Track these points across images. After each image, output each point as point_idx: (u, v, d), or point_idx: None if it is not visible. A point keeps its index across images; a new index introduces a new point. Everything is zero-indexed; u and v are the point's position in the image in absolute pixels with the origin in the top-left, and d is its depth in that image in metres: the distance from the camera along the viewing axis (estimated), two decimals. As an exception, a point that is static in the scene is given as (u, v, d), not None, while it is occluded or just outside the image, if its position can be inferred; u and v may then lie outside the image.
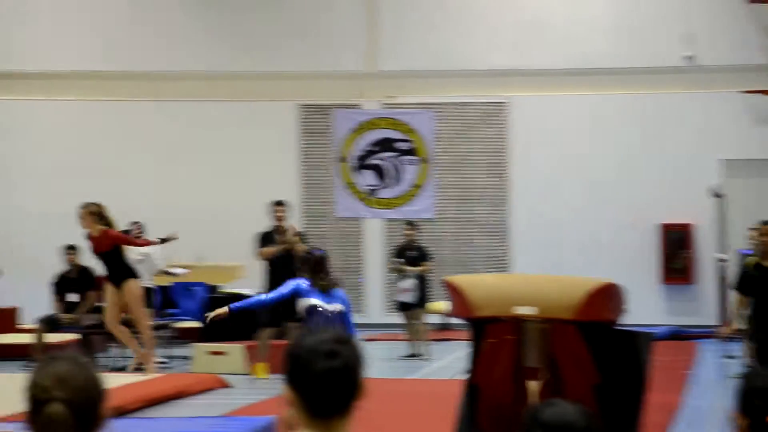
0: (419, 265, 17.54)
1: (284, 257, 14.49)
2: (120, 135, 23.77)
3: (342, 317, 10.77)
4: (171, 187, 23.64)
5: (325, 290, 10.72)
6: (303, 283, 10.74)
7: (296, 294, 10.79)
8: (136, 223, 17.78)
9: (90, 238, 14.54)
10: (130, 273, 14.65)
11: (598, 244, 23.06)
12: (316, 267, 10.78)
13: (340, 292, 10.82)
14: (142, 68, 23.73)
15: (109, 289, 14.66)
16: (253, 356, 15.57)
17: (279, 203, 15.24)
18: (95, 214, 14.46)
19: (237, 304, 10.90)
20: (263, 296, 11.28)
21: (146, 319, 14.81)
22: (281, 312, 14.16)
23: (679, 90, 23.10)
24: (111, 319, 14.66)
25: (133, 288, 14.56)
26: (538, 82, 23.42)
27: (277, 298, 10.90)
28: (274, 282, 13.61)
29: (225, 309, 10.73)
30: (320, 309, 10.70)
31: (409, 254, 17.76)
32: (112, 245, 14.36)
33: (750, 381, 3.23)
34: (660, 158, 23.00)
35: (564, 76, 23.27)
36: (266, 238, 14.82)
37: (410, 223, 18.42)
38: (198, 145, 23.75)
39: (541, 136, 23.37)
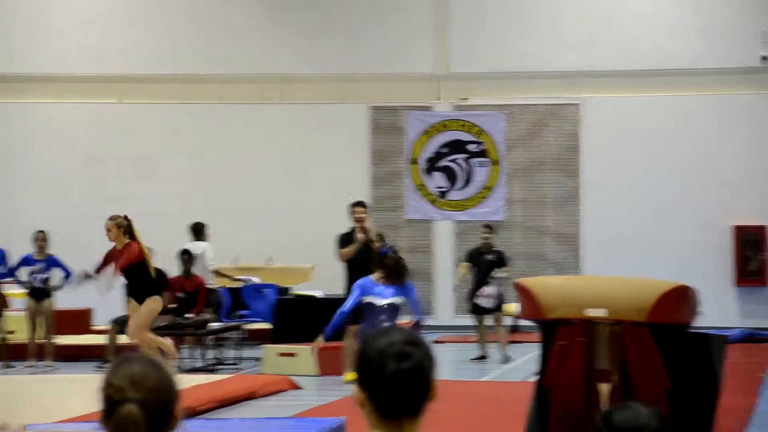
0: (497, 270, 17.35)
1: (364, 257, 14.42)
2: (184, 139, 23.93)
3: (394, 310, 11.53)
4: (241, 190, 23.77)
5: (388, 284, 11.48)
6: (367, 281, 11.56)
7: (363, 293, 11.57)
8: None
9: (114, 251, 14.14)
10: (153, 290, 14.20)
11: (670, 246, 22.85)
12: (380, 263, 11.70)
13: (405, 286, 11.58)
14: (214, 72, 23.88)
15: (132, 305, 14.24)
16: (332, 358, 15.49)
17: (359, 204, 15.12)
18: (121, 227, 14.08)
19: (328, 329, 11.61)
20: (343, 309, 11.71)
21: (144, 334, 14.16)
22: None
23: (753, 90, 22.83)
24: (134, 330, 14.11)
25: (152, 305, 14.05)
26: (610, 83, 23.27)
27: (353, 304, 11.62)
28: (354, 282, 13.82)
29: (321, 339, 11.72)
30: (373, 304, 11.51)
31: (487, 258, 17.52)
32: (130, 261, 13.89)
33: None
34: (734, 159, 22.75)
35: (636, 76, 23.10)
36: (346, 239, 14.74)
37: (488, 226, 18.13)
38: (269, 148, 23.86)
39: (613, 137, 23.20)
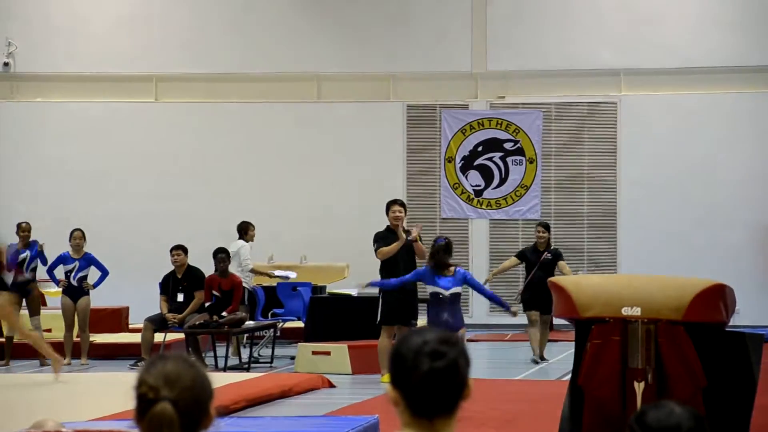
0: (555, 267, 16.94)
1: (403, 256, 14.36)
2: (221, 137, 24.01)
3: (457, 301, 12.89)
4: (277, 189, 23.82)
5: (443, 274, 12.75)
6: (426, 271, 12.90)
7: (419, 279, 13.05)
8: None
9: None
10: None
11: (707, 244, 22.74)
12: (434, 254, 12.93)
13: (459, 273, 12.93)
14: (252, 70, 23.94)
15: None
16: (365, 357, 15.47)
17: (397, 202, 15.01)
18: None
19: (379, 282, 13.30)
20: (400, 279, 13.29)
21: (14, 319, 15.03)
22: (398, 312, 14.22)
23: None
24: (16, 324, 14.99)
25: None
26: (649, 81, 23.16)
27: (402, 281, 13.12)
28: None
29: (364, 282, 13.37)
30: (439, 295, 12.76)
31: (544, 257, 17.16)
32: None
33: None
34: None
35: (675, 74, 22.98)
36: (384, 237, 14.59)
37: (543, 225, 17.65)
38: (304, 146, 23.90)
39: (650, 135, 23.11)
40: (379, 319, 14.36)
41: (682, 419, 2.96)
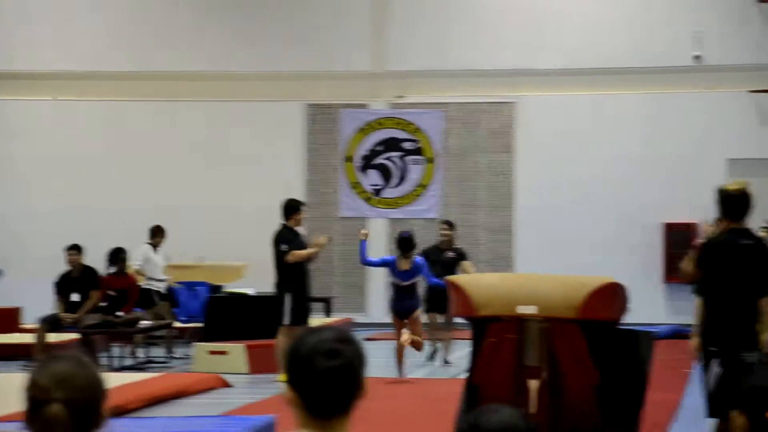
0: (457, 267, 16.75)
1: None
2: (122, 135, 23.78)
3: (414, 288, 14.66)
4: (176, 188, 23.64)
5: (402, 266, 14.40)
6: (394, 260, 14.61)
7: (385, 265, 14.86)
8: None
9: None
10: None
11: (602, 244, 23.05)
12: (398, 244, 14.71)
13: (415, 262, 14.54)
14: (147, 68, 23.74)
15: None
16: (263, 356, 15.44)
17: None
18: None
19: (363, 249, 14.59)
20: (373, 258, 15.01)
21: None
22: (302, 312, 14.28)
23: (686, 89, 23.07)
24: None
25: None
26: (545, 82, 23.41)
27: (372, 262, 14.87)
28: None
29: (366, 231, 15.07)
30: (396, 284, 14.60)
31: (447, 255, 17.01)
32: None
33: (749, 379, 3.23)
34: (666, 158, 22.97)
35: (571, 75, 23.26)
36: (290, 240, 14.50)
37: (447, 223, 17.46)
38: (205, 145, 23.75)
39: (547, 135, 23.35)
40: (287, 320, 14.21)
41: (515, 422, 2.99)
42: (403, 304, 14.69)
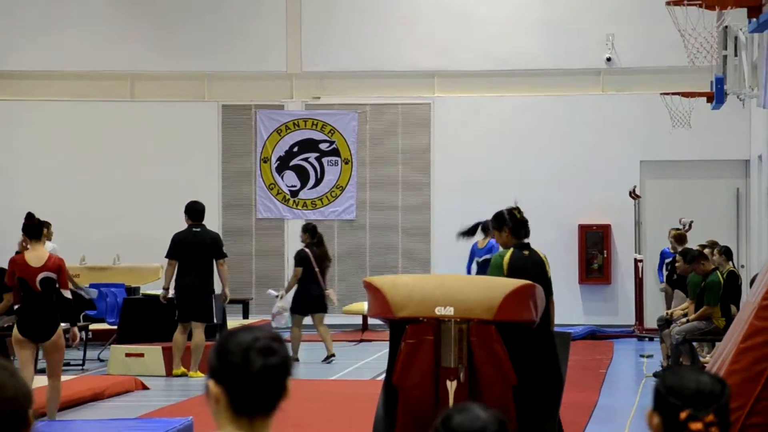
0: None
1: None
2: (31, 135, 23.47)
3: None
4: (90, 188, 23.38)
5: None
6: None
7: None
8: None
9: None
10: None
11: (517, 245, 23.17)
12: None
13: None
14: (62, 68, 23.46)
15: None
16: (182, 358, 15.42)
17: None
18: None
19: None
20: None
21: None
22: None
23: (598, 91, 23.33)
24: None
25: None
26: (462, 83, 23.52)
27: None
28: None
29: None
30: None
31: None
32: None
33: (665, 379, 3.26)
34: (579, 159, 23.18)
35: (487, 77, 23.39)
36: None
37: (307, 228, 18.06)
38: (118, 146, 23.51)
39: (464, 137, 23.45)
40: (177, 315, 15.37)
41: (487, 423, 3.00)
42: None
